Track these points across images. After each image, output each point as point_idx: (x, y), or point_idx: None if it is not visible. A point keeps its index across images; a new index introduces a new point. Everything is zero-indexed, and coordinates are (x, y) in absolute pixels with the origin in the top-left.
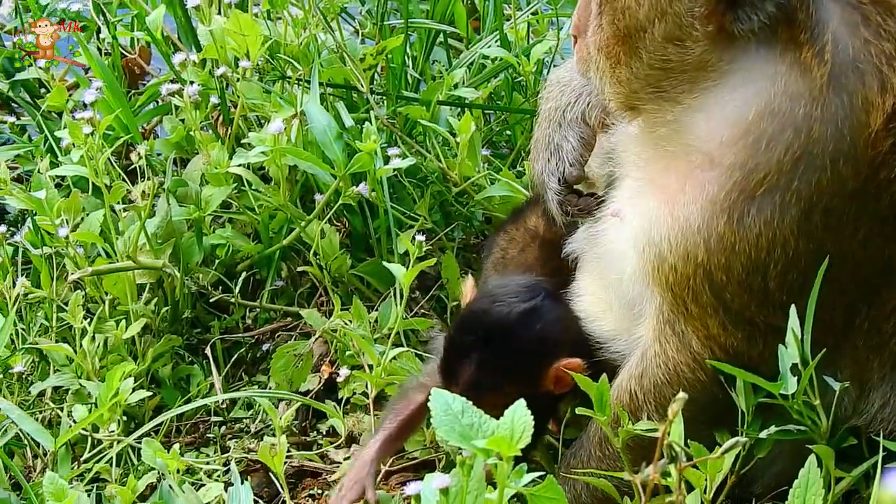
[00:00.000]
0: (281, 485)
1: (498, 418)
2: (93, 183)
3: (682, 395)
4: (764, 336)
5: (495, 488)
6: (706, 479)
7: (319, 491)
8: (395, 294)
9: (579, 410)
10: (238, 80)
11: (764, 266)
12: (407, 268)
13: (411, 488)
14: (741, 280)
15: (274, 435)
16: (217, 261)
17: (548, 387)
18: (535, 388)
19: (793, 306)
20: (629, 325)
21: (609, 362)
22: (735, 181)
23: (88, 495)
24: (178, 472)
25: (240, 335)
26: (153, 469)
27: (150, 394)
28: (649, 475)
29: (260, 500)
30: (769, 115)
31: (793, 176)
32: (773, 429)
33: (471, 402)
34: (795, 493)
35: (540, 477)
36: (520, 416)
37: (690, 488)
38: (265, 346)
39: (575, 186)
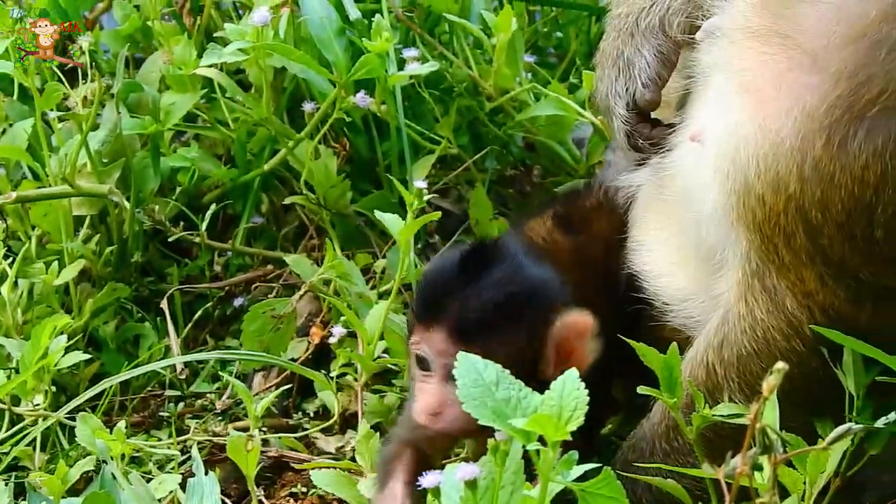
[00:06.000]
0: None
1: None
2: (20, 84)
3: (780, 364)
4: (872, 297)
5: (534, 482)
6: (804, 482)
7: (304, 489)
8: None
9: (641, 390)
10: None
11: (869, 208)
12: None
13: (428, 480)
14: (840, 222)
15: (246, 416)
16: (178, 189)
17: (546, 370)
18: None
19: None
20: (707, 281)
21: (679, 332)
22: (840, 94)
23: (6, 485)
24: (122, 458)
25: (205, 286)
26: (90, 454)
27: (88, 357)
28: (736, 469)
29: (227, 501)
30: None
31: None
32: (892, 416)
33: None
34: None
35: (594, 470)
36: (571, 390)
37: (784, 494)
38: (237, 301)
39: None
